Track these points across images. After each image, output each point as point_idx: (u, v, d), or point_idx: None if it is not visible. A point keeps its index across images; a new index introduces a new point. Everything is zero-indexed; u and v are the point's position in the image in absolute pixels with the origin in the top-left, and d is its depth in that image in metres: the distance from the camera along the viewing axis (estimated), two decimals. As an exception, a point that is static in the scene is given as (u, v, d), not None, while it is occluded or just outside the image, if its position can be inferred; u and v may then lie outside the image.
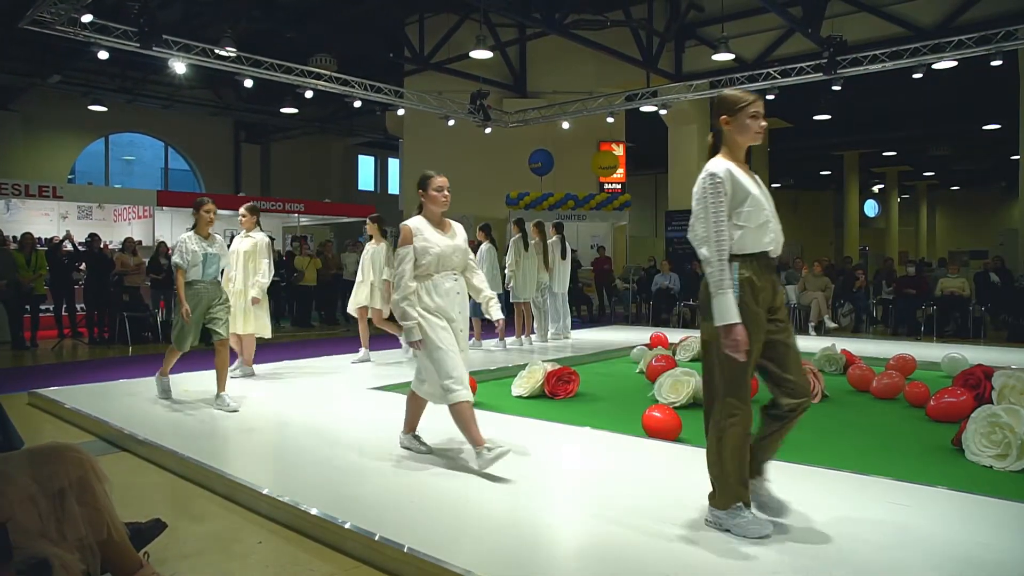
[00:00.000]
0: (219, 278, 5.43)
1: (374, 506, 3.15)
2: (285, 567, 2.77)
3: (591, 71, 16.08)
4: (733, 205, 2.68)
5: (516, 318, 9.07)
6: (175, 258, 5.33)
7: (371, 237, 7.59)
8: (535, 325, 9.39)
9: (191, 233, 5.35)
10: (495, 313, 3.99)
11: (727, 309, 2.56)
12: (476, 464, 3.54)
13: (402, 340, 7.49)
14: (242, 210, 6.42)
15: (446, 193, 3.81)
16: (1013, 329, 11.20)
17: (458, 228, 3.89)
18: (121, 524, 2.28)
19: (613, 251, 16.33)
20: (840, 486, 3.37)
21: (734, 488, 2.72)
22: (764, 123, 2.81)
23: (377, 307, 7.42)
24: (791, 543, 2.68)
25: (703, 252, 2.65)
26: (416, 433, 4.04)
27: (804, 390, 2.73)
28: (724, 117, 2.81)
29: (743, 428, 2.70)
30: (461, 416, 3.59)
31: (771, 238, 2.75)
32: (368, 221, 7.61)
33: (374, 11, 15.23)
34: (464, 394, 3.59)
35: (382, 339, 8.67)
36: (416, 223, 3.76)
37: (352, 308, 7.64)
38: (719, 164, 2.73)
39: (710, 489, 2.80)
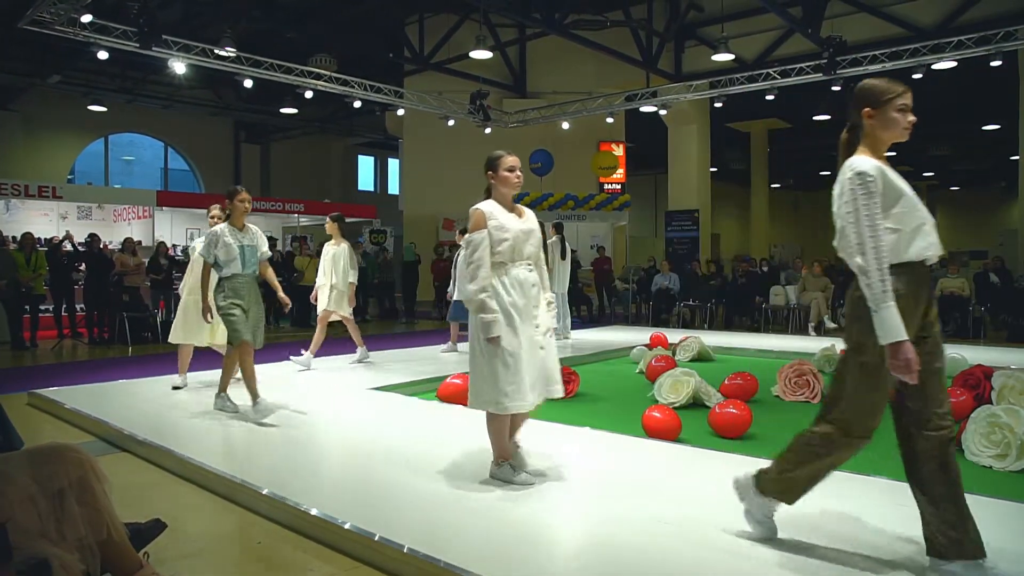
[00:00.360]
0: (257, 272, 5.07)
1: (373, 506, 3.15)
2: (285, 567, 2.77)
3: (591, 71, 16.09)
4: (884, 207, 2.35)
5: None
6: (201, 251, 4.97)
7: (331, 237, 7.22)
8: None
9: (225, 225, 4.97)
10: (545, 321, 3.55)
11: (893, 325, 2.24)
12: (491, 472, 3.45)
13: (353, 350, 7.36)
14: (215, 210, 5.94)
15: (519, 174, 3.47)
16: (1013, 329, 11.20)
17: (529, 213, 3.54)
18: (121, 524, 2.28)
19: (613, 251, 16.33)
20: (839, 486, 3.35)
21: (796, 491, 2.57)
22: (913, 117, 2.49)
23: (331, 308, 7.06)
24: (790, 542, 2.68)
25: (857, 262, 2.32)
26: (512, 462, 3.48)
27: (950, 420, 2.41)
28: (867, 110, 2.48)
29: (846, 455, 2.48)
30: (498, 425, 3.38)
31: (929, 243, 2.41)
32: (328, 220, 7.21)
33: (374, 11, 15.24)
34: (517, 406, 3.27)
35: (380, 339, 8.66)
36: (488, 206, 3.41)
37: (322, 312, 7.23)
38: (866, 161, 2.39)
39: (763, 468, 2.66)
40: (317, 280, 7.19)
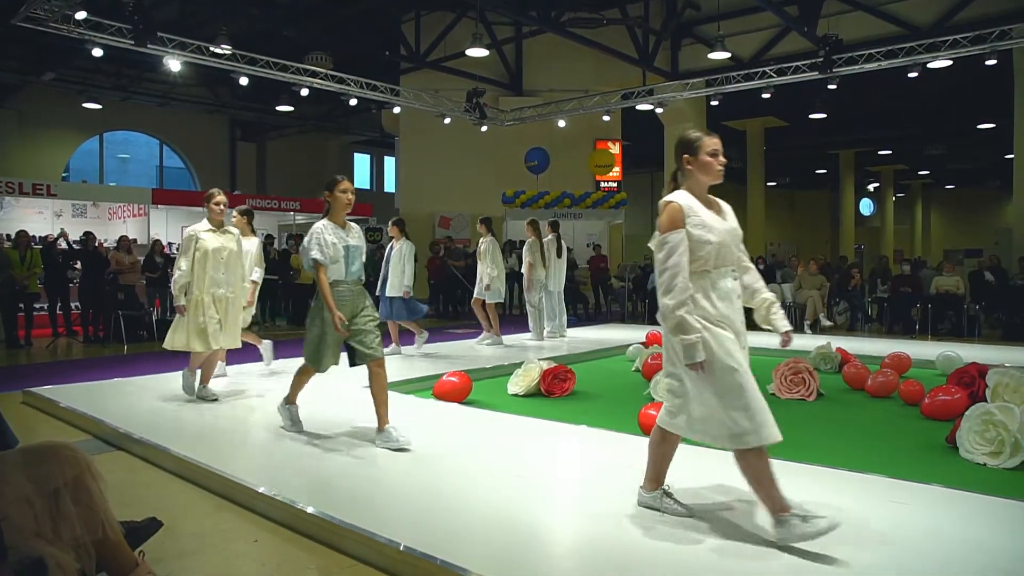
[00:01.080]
0: (363, 277, 4.35)
1: (370, 504, 3.15)
2: (281, 566, 2.76)
3: (587, 69, 16.09)
4: None
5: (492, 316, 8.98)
6: (314, 253, 4.10)
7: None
8: (530, 324, 9.39)
9: (325, 221, 4.20)
10: (783, 323, 2.93)
11: None
12: (776, 534, 2.63)
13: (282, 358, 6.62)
14: (225, 200, 5.40)
15: (723, 159, 2.86)
16: (1007, 327, 11.25)
17: (727, 207, 2.93)
18: (116, 523, 2.27)
19: (609, 249, 16.35)
20: (835, 484, 3.37)
21: None
22: None
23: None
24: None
25: None
26: (666, 487, 3.03)
27: None
28: None
29: None
30: (755, 466, 2.67)
31: None
32: (235, 214, 6.32)
33: (370, 10, 15.22)
34: (771, 433, 2.64)
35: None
36: (685, 199, 2.78)
37: None
38: None
39: None
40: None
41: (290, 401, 4.45)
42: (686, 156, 2.86)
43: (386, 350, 7.85)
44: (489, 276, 8.62)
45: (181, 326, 5.29)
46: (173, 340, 5.34)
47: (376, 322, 4.27)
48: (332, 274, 4.13)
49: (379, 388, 4.12)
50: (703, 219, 2.75)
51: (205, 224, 5.37)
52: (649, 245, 2.87)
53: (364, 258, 4.34)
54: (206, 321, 5.24)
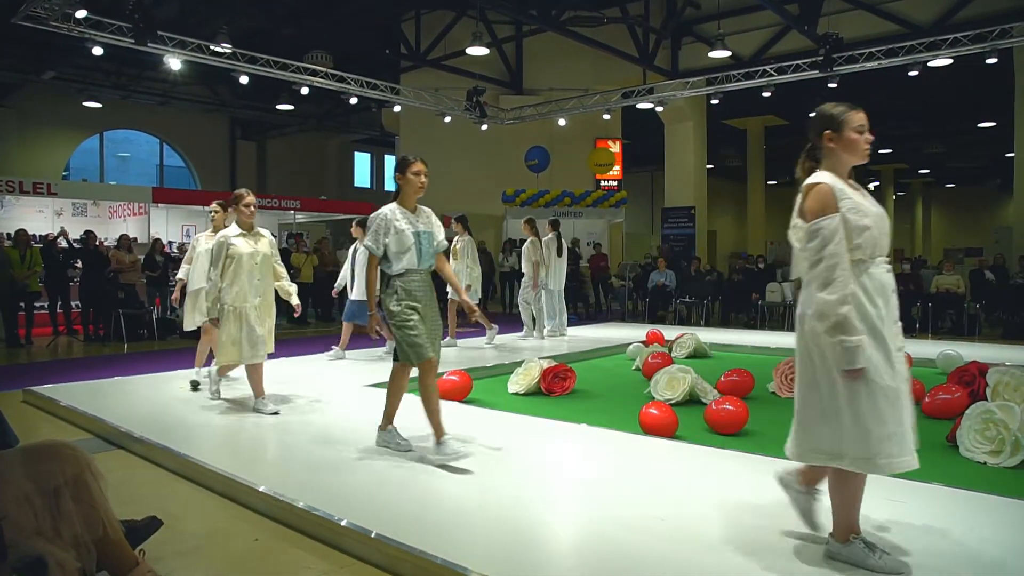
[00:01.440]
0: (433, 266, 3.96)
1: (370, 503, 3.15)
2: (281, 565, 2.77)
3: (588, 68, 16.10)
4: None
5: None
6: (367, 240, 3.82)
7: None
8: (524, 320, 9.38)
9: (394, 205, 3.88)
10: (897, 340, 2.47)
11: None
12: (835, 551, 2.47)
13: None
14: (255, 201, 5.10)
15: (869, 136, 2.49)
16: (1007, 326, 11.24)
17: (865, 191, 2.55)
18: (117, 522, 2.28)
19: (609, 248, 16.35)
20: (835, 483, 3.37)
21: None
22: None
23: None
24: (787, 541, 2.69)
25: None
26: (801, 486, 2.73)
27: None
28: None
29: None
30: (852, 487, 2.44)
31: None
32: (216, 206, 5.89)
33: (370, 8, 15.21)
34: (901, 462, 2.32)
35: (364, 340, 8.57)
36: (833, 180, 2.43)
37: (198, 323, 5.99)
38: None
39: None
40: (193, 284, 5.98)
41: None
42: (828, 132, 2.51)
43: (328, 355, 7.69)
44: (469, 276, 8.43)
45: (233, 339, 4.91)
46: (228, 354, 4.93)
47: (439, 318, 3.98)
48: (403, 263, 3.78)
49: (428, 391, 3.78)
50: (856, 202, 2.40)
51: (235, 229, 5.00)
52: (789, 235, 2.56)
53: (438, 245, 3.95)
54: (255, 331, 4.95)
